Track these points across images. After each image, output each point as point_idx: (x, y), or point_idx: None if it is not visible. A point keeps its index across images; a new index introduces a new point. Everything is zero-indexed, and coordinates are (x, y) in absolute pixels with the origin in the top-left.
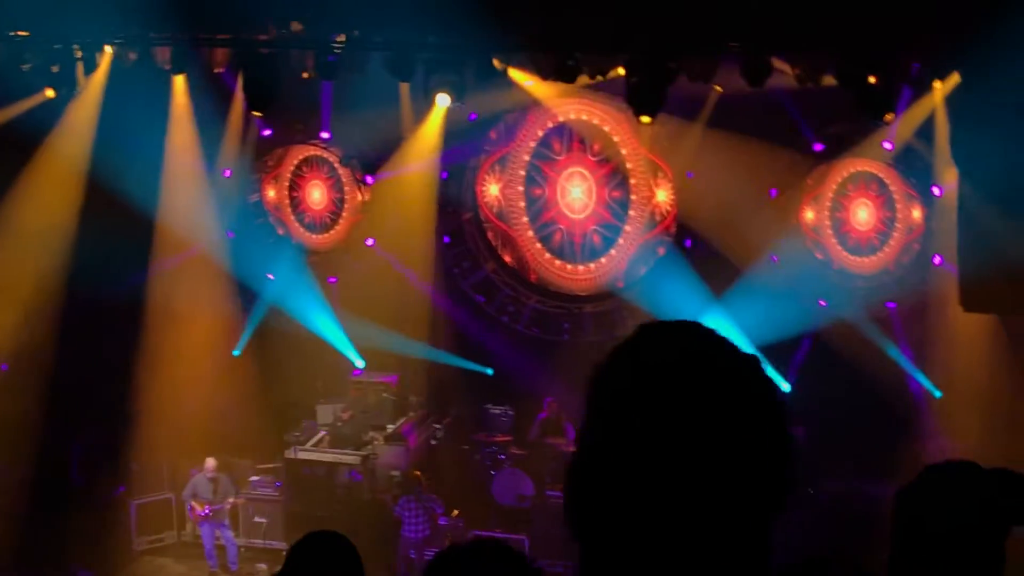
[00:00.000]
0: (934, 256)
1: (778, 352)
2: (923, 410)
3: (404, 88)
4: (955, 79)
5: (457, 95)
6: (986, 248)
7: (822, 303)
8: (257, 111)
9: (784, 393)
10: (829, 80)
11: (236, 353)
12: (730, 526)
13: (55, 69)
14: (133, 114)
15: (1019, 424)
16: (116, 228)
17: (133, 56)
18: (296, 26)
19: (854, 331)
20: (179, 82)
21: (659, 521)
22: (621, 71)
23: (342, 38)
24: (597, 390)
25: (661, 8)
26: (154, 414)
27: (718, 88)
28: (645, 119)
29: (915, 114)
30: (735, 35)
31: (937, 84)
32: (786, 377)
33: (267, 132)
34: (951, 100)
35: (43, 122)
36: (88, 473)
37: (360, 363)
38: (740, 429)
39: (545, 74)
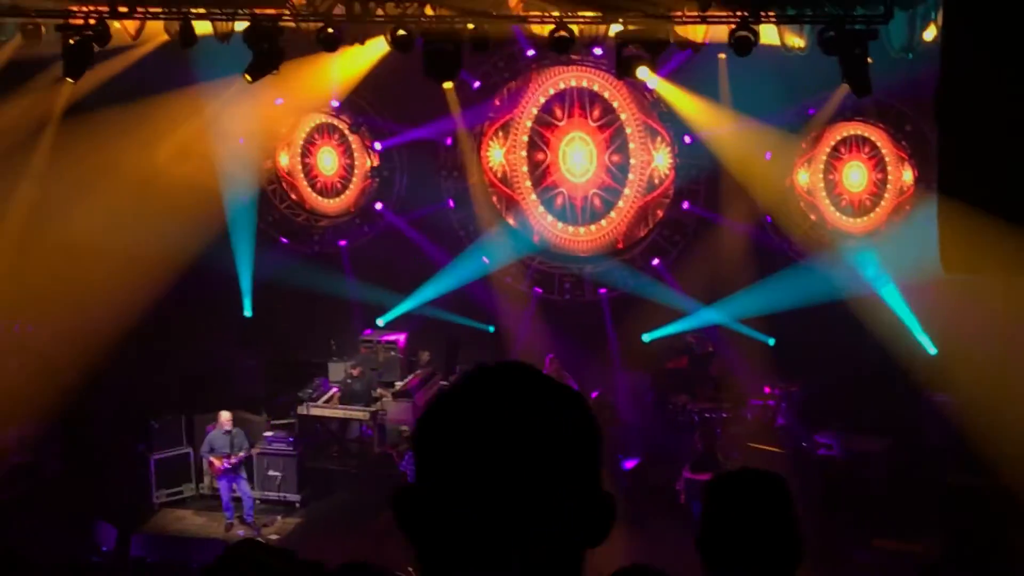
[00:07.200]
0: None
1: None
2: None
3: None
4: None
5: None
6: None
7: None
8: (252, 79)
9: (600, 435)
10: None
11: (247, 314)
12: (545, 558)
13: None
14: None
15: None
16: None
17: None
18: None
19: (849, 291)
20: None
21: (481, 550)
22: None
23: (342, 11)
24: (426, 439)
25: None
26: (170, 372)
27: (722, 56)
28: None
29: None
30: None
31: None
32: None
33: (279, 100)
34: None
35: None
36: (111, 430)
37: (380, 322)
38: (556, 471)
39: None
